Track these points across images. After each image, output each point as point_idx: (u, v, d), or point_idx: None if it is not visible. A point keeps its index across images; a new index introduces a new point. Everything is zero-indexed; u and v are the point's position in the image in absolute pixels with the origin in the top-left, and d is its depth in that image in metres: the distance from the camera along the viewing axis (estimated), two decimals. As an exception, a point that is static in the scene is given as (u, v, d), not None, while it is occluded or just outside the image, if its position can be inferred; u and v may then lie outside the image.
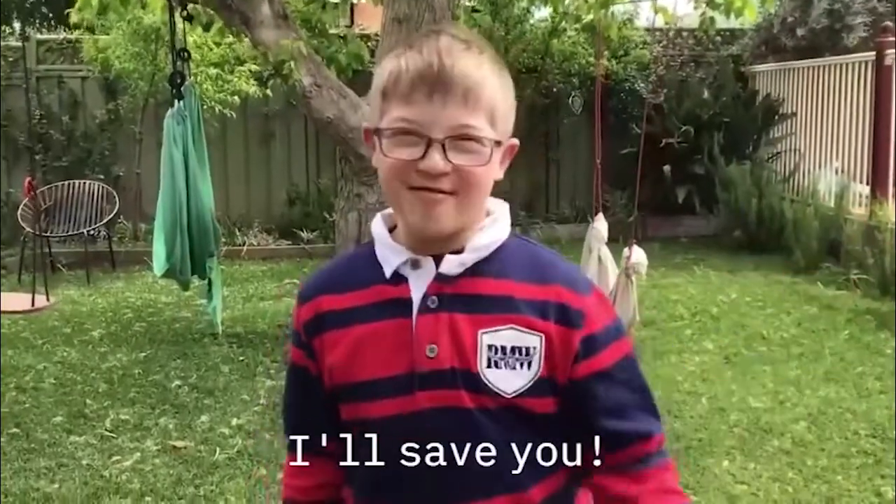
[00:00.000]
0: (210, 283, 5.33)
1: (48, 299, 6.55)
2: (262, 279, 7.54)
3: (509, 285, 1.18)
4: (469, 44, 1.13)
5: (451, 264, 1.17)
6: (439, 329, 1.16)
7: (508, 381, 1.15)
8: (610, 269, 5.37)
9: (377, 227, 1.23)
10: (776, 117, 9.09)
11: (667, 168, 8.76)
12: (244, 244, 8.67)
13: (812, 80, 8.62)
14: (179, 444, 3.89)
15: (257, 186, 9.45)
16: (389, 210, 1.24)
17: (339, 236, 5.16)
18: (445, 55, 1.11)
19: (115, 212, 8.18)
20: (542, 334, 1.16)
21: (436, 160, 1.11)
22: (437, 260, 1.18)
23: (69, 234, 8.11)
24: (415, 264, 1.18)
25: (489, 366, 1.15)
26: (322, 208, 9.01)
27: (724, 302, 6.41)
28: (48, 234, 7.97)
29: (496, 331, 1.16)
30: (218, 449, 3.82)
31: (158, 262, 4.88)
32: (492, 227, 1.22)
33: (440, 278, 1.17)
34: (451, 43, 1.13)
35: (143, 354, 5.26)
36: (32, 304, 6.38)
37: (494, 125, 1.15)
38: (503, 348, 1.16)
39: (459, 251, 1.18)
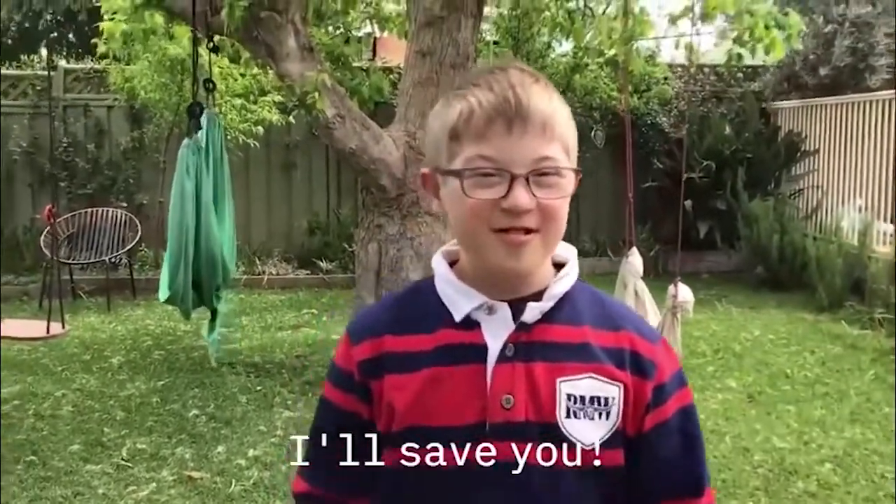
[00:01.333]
0: (213, 314, 5.33)
1: (63, 326, 6.57)
2: (281, 308, 7.54)
3: (585, 332, 1.14)
4: (537, 77, 1.12)
5: (533, 312, 1.12)
6: (515, 379, 1.11)
7: (588, 431, 1.11)
8: (647, 303, 5.30)
9: (441, 266, 1.17)
10: (798, 154, 9.05)
11: (688, 203, 8.72)
12: (264, 273, 8.69)
13: (835, 118, 8.59)
14: (195, 474, 3.86)
15: (278, 216, 9.49)
16: (448, 247, 1.20)
17: (359, 267, 5.15)
18: (520, 89, 1.09)
19: (137, 239, 8.24)
20: (621, 384, 1.13)
21: (522, 196, 1.07)
22: (510, 304, 1.13)
23: (91, 261, 8.16)
24: (490, 310, 1.13)
25: (568, 416, 1.11)
26: (342, 239, 9.03)
27: (747, 339, 6.34)
28: (70, 260, 8.03)
29: (576, 379, 1.12)
30: (234, 480, 3.79)
31: (163, 287, 4.90)
32: (571, 273, 1.18)
33: (521, 327, 1.12)
34: (521, 77, 1.11)
35: (162, 383, 5.25)
36: (47, 331, 6.41)
37: (569, 155, 1.14)
38: (582, 398, 1.11)
39: (535, 295, 1.13)
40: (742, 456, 4.10)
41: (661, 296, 4.96)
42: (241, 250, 8.97)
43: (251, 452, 4.11)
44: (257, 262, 8.89)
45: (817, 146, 8.90)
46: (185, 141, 4.94)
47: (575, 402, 1.11)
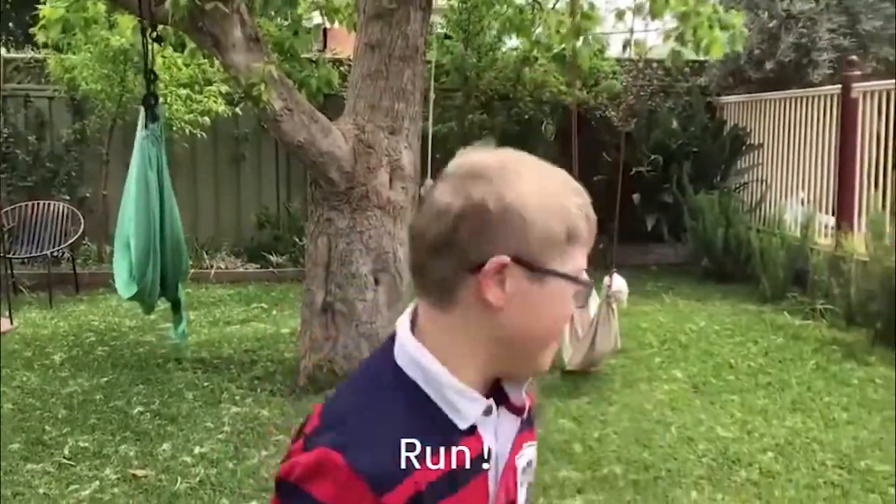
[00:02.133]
0: (178, 306, 5.25)
1: (11, 323, 6.41)
2: (230, 303, 7.45)
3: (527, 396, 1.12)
4: None
5: (519, 398, 1.08)
6: (509, 479, 1.08)
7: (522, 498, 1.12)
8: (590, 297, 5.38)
9: (434, 365, 1.02)
10: (743, 148, 9.21)
11: (636, 196, 8.82)
12: (212, 267, 8.57)
13: (779, 112, 8.75)
14: (140, 472, 3.80)
15: (227, 209, 9.37)
16: (408, 332, 1.06)
17: (309, 260, 5.12)
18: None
19: (79, 233, 8.06)
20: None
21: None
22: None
23: (32, 255, 7.97)
24: (488, 411, 1.04)
25: (519, 486, 1.11)
26: (292, 232, 8.95)
27: (693, 330, 6.44)
28: (11, 255, 7.82)
29: (529, 447, 1.12)
30: (179, 478, 3.74)
31: (125, 284, 4.78)
32: None
33: (525, 424, 1.10)
34: None
35: (105, 380, 5.15)
36: (-1, 327, 6.26)
37: None
38: (526, 466, 1.12)
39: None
40: (687, 445, 4.17)
41: (608, 288, 5.01)
42: (189, 244, 8.83)
43: (197, 450, 4.05)
44: (205, 256, 8.76)
45: (762, 140, 9.07)
46: (143, 132, 4.82)
47: (524, 473, 1.10)
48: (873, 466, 3.92)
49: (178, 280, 5.10)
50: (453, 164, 1.05)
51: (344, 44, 10.54)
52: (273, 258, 8.75)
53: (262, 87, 4.44)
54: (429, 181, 5.90)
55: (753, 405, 4.76)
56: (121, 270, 4.78)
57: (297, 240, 8.59)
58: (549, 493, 3.62)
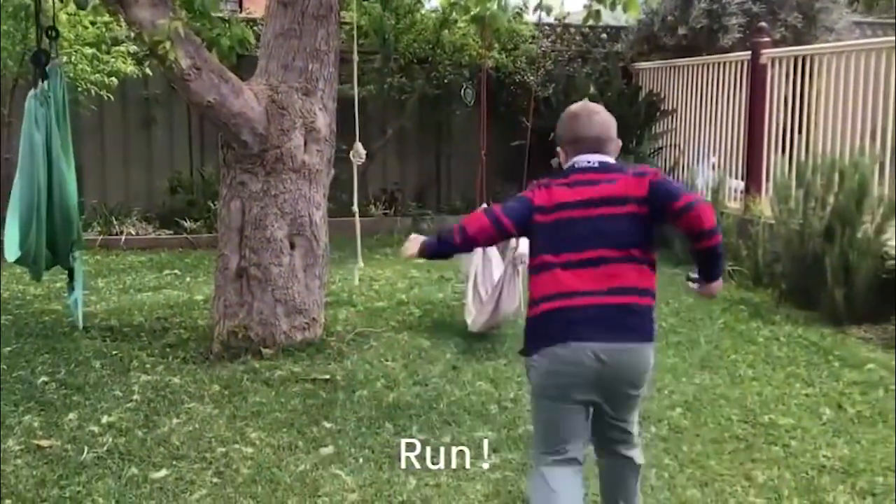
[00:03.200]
0: (72, 275, 5.06)
1: None
2: (141, 270, 7.25)
3: None
4: None
5: None
6: None
7: None
8: (494, 260, 5.42)
9: None
10: (658, 114, 9.37)
11: (555, 161, 8.86)
12: (122, 233, 8.32)
13: (692, 78, 8.92)
14: (45, 443, 3.67)
15: (137, 173, 9.08)
16: None
17: (222, 225, 5.00)
18: None
19: (-21, 198, 7.70)
20: None
21: None
22: None
23: (-72, 221, 7.58)
24: None
25: None
26: (206, 197, 8.75)
27: (608, 292, 6.54)
28: None
29: None
30: (86, 448, 3.63)
31: (11, 248, 4.57)
32: None
33: None
34: None
35: (9, 349, 4.95)
36: None
37: None
38: None
39: None
40: (600, 404, 4.24)
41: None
42: (97, 210, 8.55)
43: (105, 419, 3.94)
44: (114, 222, 8.49)
45: (675, 106, 9.23)
46: (32, 92, 4.62)
47: None
48: (776, 420, 4.07)
49: (71, 249, 4.91)
50: None
51: (260, 5, 10.27)
52: (186, 224, 8.55)
53: (168, 44, 4.27)
54: (358, 144, 5.72)
55: (664, 364, 4.87)
56: (10, 234, 4.57)
57: (211, 205, 8.39)
58: (465, 454, 3.64)
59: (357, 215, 5.33)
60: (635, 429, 2.80)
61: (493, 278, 5.26)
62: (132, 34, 4.53)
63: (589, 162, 2.80)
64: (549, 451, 2.69)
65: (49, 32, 4.75)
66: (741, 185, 7.90)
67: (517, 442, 3.79)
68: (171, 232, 8.55)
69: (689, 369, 4.80)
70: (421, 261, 6.90)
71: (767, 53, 7.61)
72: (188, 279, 6.92)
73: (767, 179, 7.50)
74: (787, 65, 7.40)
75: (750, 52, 7.79)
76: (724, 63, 8.32)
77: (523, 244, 5.13)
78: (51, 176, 4.61)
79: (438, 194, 9.89)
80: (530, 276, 2.74)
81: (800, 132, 7.19)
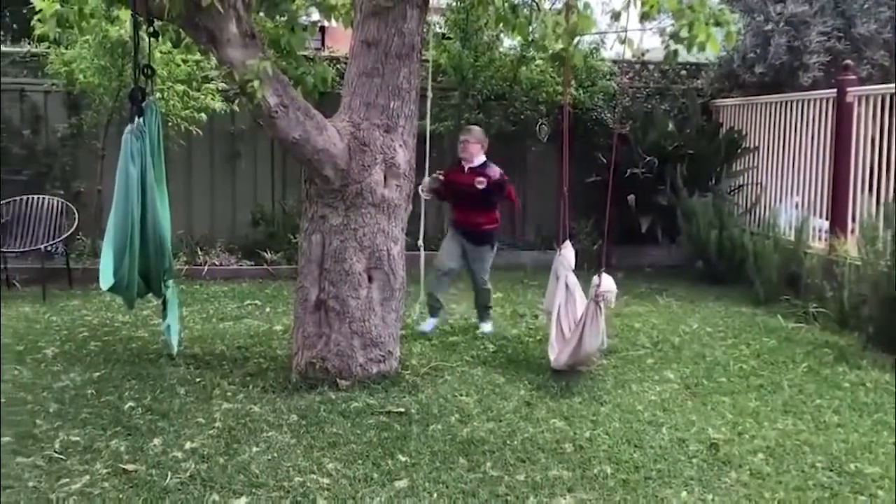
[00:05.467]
0: (165, 303, 5.24)
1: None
2: (224, 299, 7.44)
3: None
4: None
5: None
6: None
7: None
8: (577, 296, 5.40)
9: None
10: (738, 150, 9.23)
11: (631, 198, 8.83)
12: (206, 263, 8.57)
13: (774, 116, 8.77)
14: (130, 467, 3.79)
15: (222, 206, 9.36)
16: None
17: (303, 257, 5.11)
18: None
19: (73, 228, 8.04)
20: None
21: None
22: None
23: (25, 249, 7.95)
24: None
25: None
26: (287, 229, 8.95)
27: (686, 332, 6.45)
28: (4, 249, 7.81)
29: None
30: (170, 473, 3.73)
31: (105, 276, 4.77)
32: None
33: None
34: None
35: (97, 374, 5.14)
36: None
37: None
38: None
39: None
40: (678, 446, 4.17)
41: (601, 289, 5.02)
42: (183, 240, 8.83)
43: (188, 445, 4.05)
44: (199, 252, 8.75)
45: (757, 143, 9.08)
46: (129, 127, 4.83)
47: None
48: (863, 469, 3.93)
49: (163, 278, 5.08)
50: None
51: (342, 42, 10.55)
52: (267, 255, 8.74)
53: (257, 83, 4.43)
54: (426, 179, 5.92)
55: (745, 407, 4.77)
56: (106, 263, 4.77)
57: (291, 237, 8.59)
58: (540, 493, 3.62)
59: (422, 249, 5.84)
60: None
61: (577, 314, 5.24)
62: (222, 73, 4.69)
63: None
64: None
65: (146, 70, 4.97)
66: (825, 224, 7.71)
67: (592, 482, 3.74)
68: (252, 263, 8.76)
69: (771, 413, 4.68)
70: (496, 295, 6.95)
71: (853, 91, 7.45)
72: (268, 309, 7.07)
73: (853, 219, 7.30)
74: (874, 103, 7.23)
75: (835, 90, 7.63)
76: (808, 101, 8.17)
77: (606, 281, 5.11)
78: (144, 208, 4.79)
79: (513, 229, 9.90)
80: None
81: (887, 171, 7.00)
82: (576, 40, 4.73)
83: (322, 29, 12.67)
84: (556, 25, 4.99)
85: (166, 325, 5.25)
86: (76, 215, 8.06)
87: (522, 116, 9.47)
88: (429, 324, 6.33)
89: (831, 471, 3.92)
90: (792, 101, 8.47)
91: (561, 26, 4.70)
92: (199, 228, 9.15)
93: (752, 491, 3.70)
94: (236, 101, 8.19)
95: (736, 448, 4.16)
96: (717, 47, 4.62)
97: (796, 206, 8.17)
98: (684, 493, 3.65)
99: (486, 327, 6.39)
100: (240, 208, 9.37)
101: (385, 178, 5.01)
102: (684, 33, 4.39)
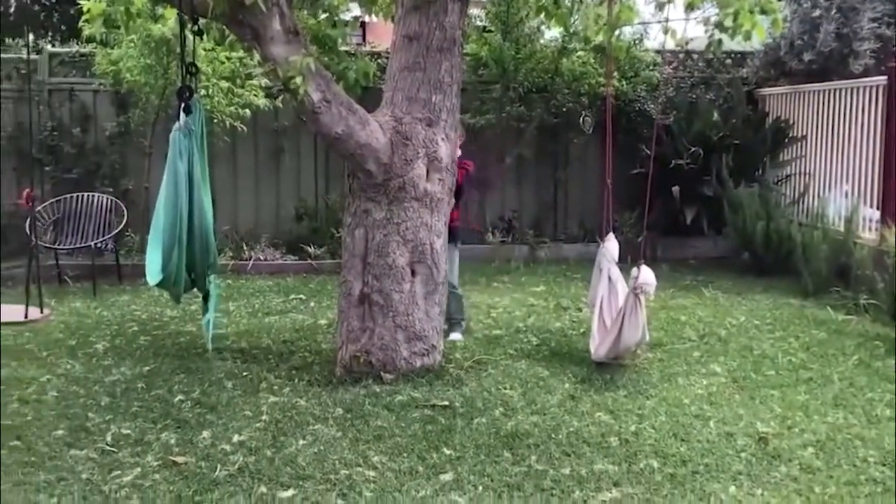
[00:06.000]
0: (206, 299, 5.31)
1: (42, 311, 6.55)
2: (269, 294, 7.53)
3: None
4: None
5: None
6: None
7: None
8: (620, 288, 5.37)
9: None
10: (786, 140, 9.07)
11: (675, 189, 8.73)
12: (251, 258, 8.67)
13: (822, 104, 8.60)
14: (180, 459, 3.86)
15: (266, 201, 9.46)
16: None
17: (346, 252, 5.15)
18: None
19: (122, 225, 8.20)
20: None
21: None
22: None
23: (76, 246, 8.12)
24: None
25: None
26: (330, 224, 9.02)
27: (733, 324, 6.37)
28: (56, 246, 7.99)
29: None
30: (219, 465, 3.79)
31: (153, 271, 4.84)
32: None
33: None
34: None
35: (147, 368, 5.24)
36: (25, 316, 6.39)
37: None
38: None
39: None
40: (726, 440, 4.12)
41: (646, 281, 4.98)
42: (228, 236, 8.95)
43: (236, 438, 4.10)
44: (244, 247, 8.86)
45: (804, 132, 8.92)
46: (176, 124, 4.89)
47: None
48: (917, 464, 3.85)
49: (207, 272, 5.15)
50: None
51: (383, 37, 10.58)
52: (311, 250, 8.82)
53: (300, 79, 4.47)
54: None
55: (794, 400, 4.69)
56: (152, 258, 4.84)
57: (334, 232, 8.65)
58: (585, 487, 3.61)
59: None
60: None
61: (619, 305, 5.21)
62: (266, 69, 4.74)
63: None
64: None
65: (190, 68, 5.04)
66: (876, 214, 7.55)
67: (639, 477, 3.72)
68: (296, 258, 8.84)
69: (821, 407, 4.60)
70: (539, 288, 6.90)
71: (905, 77, 7.27)
72: (312, 304, 7.14)
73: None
74: (927, 89, 7.05)
75: (886, 77, 7.46)
76: (857, 88, 7.99)
77: (645, 273, 5.07)
78: (192, 204, 4.85)
79: (555, 222, 9.86)
80: None
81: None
82: (617, 32, 4.70)
83: (363, 24, 12.72)
84: (597, 17, 4.97)
85: (206, 319, 5.33)
86: (125, 212, 8.21)
87: (564, 109, 9.40)
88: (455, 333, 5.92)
89: (884, 465, 3.84)
90: (841, 89, 8.29)
91: (603, 18, 4.67)
92: (244, 224, 9.26)
93: (802, 486, 3.64)
94: (280, 98, 8.26)
95: (785, 442, 4.10)
96: (764, 35, 4.55)
97: (846, 194, 8.01)
98: (733, 488, 3.61)
99: (455, 335, 5.87)
100: (283, 204, 9.47)
101: (427, 171, 5.02)
102: (728, 22, 4.33)
